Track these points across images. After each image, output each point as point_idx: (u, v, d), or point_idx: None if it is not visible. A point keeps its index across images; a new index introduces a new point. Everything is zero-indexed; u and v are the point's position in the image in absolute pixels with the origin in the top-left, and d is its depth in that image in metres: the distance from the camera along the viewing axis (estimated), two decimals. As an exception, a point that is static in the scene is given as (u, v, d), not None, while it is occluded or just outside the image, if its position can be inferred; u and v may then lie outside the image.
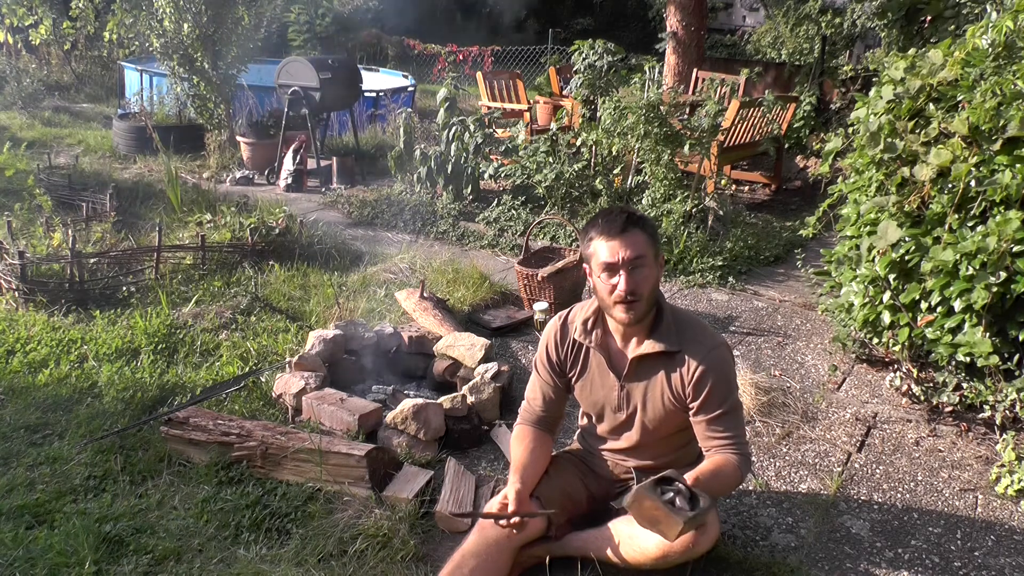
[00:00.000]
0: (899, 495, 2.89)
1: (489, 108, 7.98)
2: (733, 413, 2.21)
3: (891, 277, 3.34)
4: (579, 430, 2.62)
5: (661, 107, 5.57)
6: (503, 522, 2.19)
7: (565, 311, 2.42)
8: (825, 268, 4.00)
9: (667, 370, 2.22)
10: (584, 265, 2.27)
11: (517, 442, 2.41)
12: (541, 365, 2.42)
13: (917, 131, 3.34)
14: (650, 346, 2.22)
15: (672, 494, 1.99)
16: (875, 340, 3.71)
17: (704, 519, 2.02)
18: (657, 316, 2.25)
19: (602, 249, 2.16)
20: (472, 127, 6.33)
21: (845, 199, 3.81)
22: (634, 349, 2.27)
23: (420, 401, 3.01)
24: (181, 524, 2.53)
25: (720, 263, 5.08)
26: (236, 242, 4.97)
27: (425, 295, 4.10)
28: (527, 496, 2.26)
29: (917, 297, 3.24)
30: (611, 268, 2.15)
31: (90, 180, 6.46)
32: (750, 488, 2.90)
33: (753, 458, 3.01)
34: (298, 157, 7.01)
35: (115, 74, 11.29)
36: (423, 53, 15.29)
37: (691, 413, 2.23)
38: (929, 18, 7.04)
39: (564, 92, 8.58)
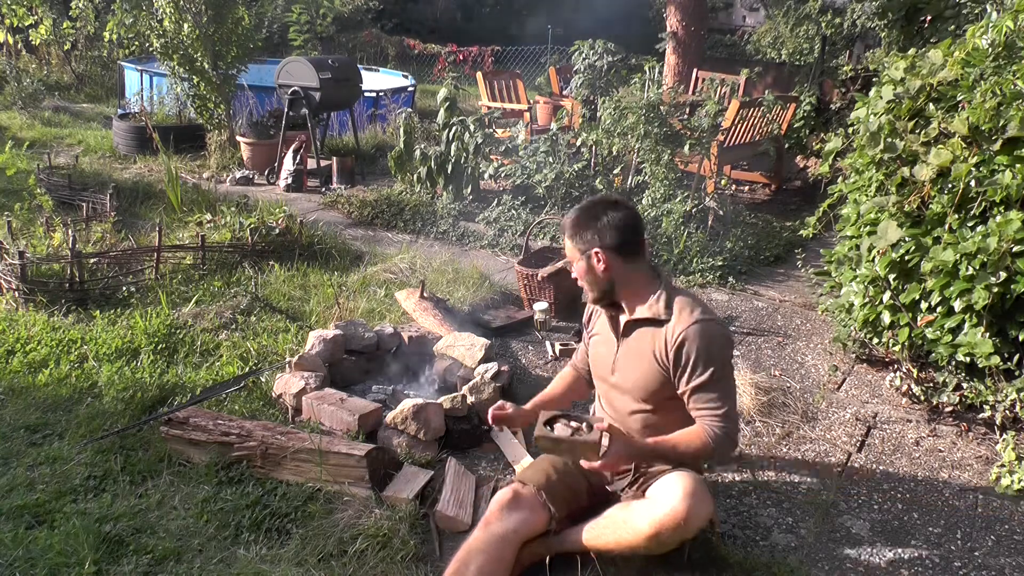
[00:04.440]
0: (899, 495, 2.89)
1: (489, 108, 7.98)
2: (715, 385, 2.25)
3: (891, 277, 3.34)
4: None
5: (661, 107, 5.58)
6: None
7: None
8: (825, 268, 4.00)
9: (655, 336, 2.33)
10: None
11: (557, 377, 2.81)
12: (584, 324, 2.73)
13: (917, 131, 3.34)
14: (640, 312, 2.38)
15: (563, 427, 2.22)
16: (875, 340, 3.71)
17: (579, 448, 2.17)
18: (656, 291, 2.39)
19: None
20: (472, 127, 6.32)
21: (845, 199, 3.81)
22: (628, 316, 2.43)
23: (420, 401, 3.00)
24: (181, 524, 2.53)
25: (720, 263, 5.08)
26: (236, 242, 4.97)
27: (425, 295, 4.10)
28: (527, 408, 2.56)
29: (917, 297, 3.24)
30: None
31: (90, 180, 6.45)
32: (750, 488, 2.90)
33: (740, 436, 3.08)
34: (298, 157, 7.01)
35: (115, 74, 11.29)
36: (423, 53, 15.31)
37: (678, 389, 2.30)
38: (929, 18, 7.04)
39: (564, 92, 8.60)
